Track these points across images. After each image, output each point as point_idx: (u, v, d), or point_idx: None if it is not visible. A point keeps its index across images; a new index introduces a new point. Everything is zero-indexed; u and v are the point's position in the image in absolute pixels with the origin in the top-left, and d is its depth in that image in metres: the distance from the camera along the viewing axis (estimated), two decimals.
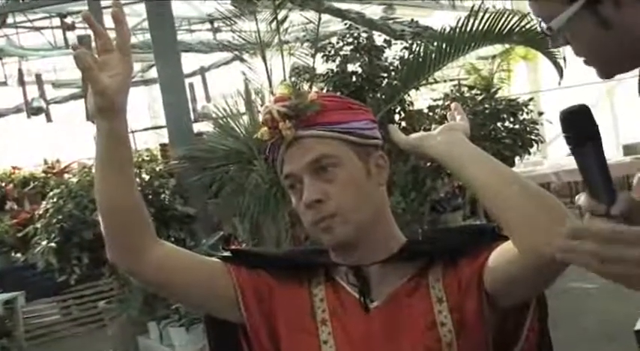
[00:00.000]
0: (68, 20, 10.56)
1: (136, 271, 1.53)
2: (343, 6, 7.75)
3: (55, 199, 6.73)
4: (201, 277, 1.56)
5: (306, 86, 6.27)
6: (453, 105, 1.60)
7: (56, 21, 10.82)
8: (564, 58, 5.99)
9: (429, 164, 6.90)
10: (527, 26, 5.59)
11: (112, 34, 1.41)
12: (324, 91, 6.40)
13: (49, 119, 11.97)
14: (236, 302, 1.55)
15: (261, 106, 6.50)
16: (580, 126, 1.11)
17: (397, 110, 6.99)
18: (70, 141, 11.94)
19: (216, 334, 1.66)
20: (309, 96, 1.52)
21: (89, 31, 1.57)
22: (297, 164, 1.50)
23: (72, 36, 10.32)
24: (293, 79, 6.49)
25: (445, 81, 9.03)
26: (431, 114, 7.64)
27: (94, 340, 8.30)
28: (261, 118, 1.54)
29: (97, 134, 1.43)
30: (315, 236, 1.53)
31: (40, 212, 6.88)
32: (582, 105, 1.12)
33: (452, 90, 8.74)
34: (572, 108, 1.12)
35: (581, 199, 1.15)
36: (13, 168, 10.92)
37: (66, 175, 8.70)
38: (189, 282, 1.54)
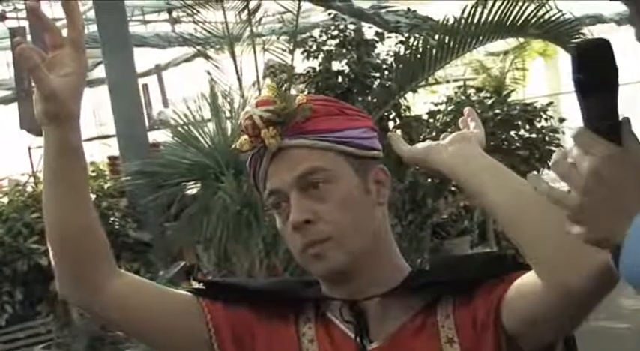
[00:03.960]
0: None
1: (93, 307, 1.54)
2: None
3: None
4: (169, 314, 1.57)
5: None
6: (466, 110, 1.61)
7: None
8: None
9: (429, 180, 6.93)
10: (546, 16, 5.63)
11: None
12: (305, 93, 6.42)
13: None
14: (209, 344, 1.56)
15: (230, 111, 6.53)
16: (595, 67, 1.01)
17: (391, 116, 7.03)
18: None
19: None
20: (297, 99, 1.53)
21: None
22: (282, 179, 1.50)
23: (2, 28, 10.29)
24: (267, 79, 6.51)
25: (448, 81, 9.10)
26: (431, 121, 7.68)
27: None
28: (240, 124, 1.55)
29: (45, 145, 1.44)
30: (303, 264, 1.54)
31: None
32: (602, 40, 1.02)
33: (456, 92, 8.79)
34: (588, 42, 1.03)
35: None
36: None
37: None
38: (155, 319, 1.56)
